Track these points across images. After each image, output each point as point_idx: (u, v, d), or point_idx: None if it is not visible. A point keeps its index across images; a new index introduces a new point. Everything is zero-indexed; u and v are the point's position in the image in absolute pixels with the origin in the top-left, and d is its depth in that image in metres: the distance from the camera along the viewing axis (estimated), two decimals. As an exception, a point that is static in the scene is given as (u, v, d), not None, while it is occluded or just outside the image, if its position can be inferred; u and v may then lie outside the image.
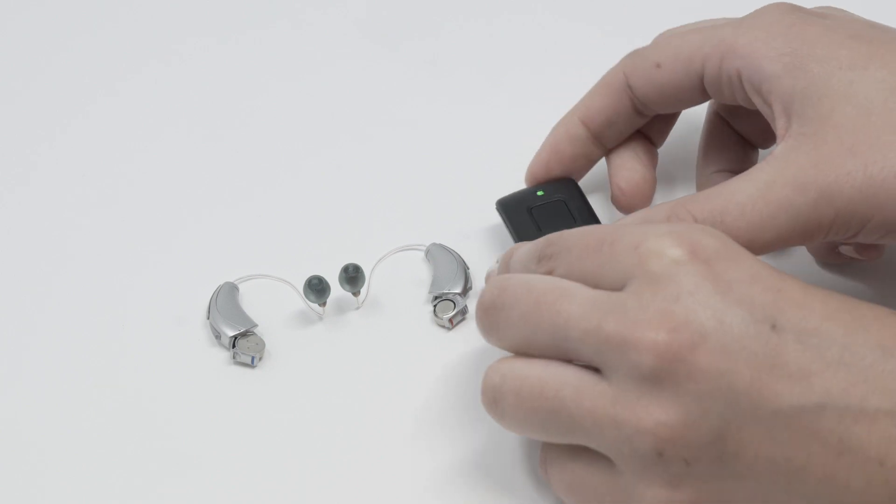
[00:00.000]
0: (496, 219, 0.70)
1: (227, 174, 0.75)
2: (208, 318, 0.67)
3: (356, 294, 0.67)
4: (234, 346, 0.65)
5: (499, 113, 0.77)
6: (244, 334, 0.66)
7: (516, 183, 0.71)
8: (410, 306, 0.68)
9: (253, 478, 0.61)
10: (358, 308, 0.68)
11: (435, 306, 0.67)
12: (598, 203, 0.69)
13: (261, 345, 0.65)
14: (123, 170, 0.75)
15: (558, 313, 0.54)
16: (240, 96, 0.79)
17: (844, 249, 0.67)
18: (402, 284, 0.68)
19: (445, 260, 0.68)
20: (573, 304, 0.54)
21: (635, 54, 0.67)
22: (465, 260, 0.68)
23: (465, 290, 0.67)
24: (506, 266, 0.60)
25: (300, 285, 0.67)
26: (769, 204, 0.59)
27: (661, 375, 0.51)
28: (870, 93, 0.59)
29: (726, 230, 0.59)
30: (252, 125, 0.77)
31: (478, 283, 0.68)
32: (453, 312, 0.66)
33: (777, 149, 0.61)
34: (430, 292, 0.67)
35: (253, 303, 0.68)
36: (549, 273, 0.56)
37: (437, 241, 0.69)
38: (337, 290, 0.67)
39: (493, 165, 0.74)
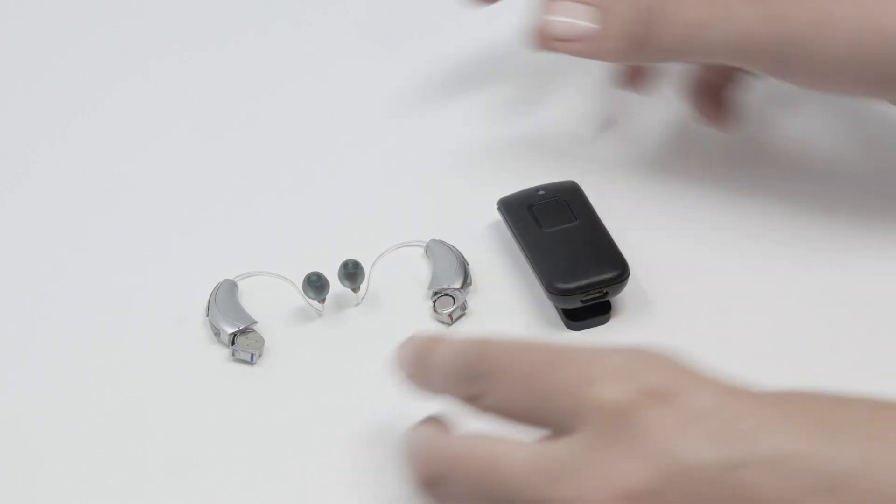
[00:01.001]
0: (495, 215, 0.70)
1: (227, 173, 0.75)
2: (207, 316, 0.67)
3: (356, 290, 0.67)
4: (233, 344, 0.65)
5: (499, 112, 0.77)
6: (243, 331, 0.66)
7: (516, 179, 0.71)
8: (410, 302, 0.68)
9: (253, 476, 0.61)
10: (357, 304, 0.68)
11: (434, 302, 0.67)
12: (598, 203, 0.69)
13: (260, 342, 0.65)
14: (124, 169, 0.76)
15: (503, 483, 0.50)
16: (240, 96, 0.79)
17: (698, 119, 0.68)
18: (401, 280, 0.68)
19: (445, 256, 0.68)
20: (517, 470, 0.49)
21: None
22: (465, 256, 0.68)
23: (465, 286, 0.67)
24: (424, 366, 0.55)
25: (299, 282, 0.66)
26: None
27: None
28: None
29: (665, 41, 0.63)
30: (252, 124, 0.78)
31: (477, 279, 0.68)
32: (453, 308, 0.66)
33: None
34: (429, 288, 0.67)
35: (252, 300, 0.68)
36: (480, 397, 0.52)
37: (437, 238, 0.69)
38: (336, 287, 0.67)
39: (492, 162, 0.74)
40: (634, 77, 0.73)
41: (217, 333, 0.66)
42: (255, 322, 0.66)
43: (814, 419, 0.48)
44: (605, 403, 0.48)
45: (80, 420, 0.64)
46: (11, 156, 0.77)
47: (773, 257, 0.68)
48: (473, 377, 0.52)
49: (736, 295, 0.67)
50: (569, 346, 0.52)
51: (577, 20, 0.65)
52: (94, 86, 0.81)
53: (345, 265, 0.66)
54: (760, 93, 0.77)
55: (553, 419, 0.50)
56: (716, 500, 0.47)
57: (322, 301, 0.66)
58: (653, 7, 0.63)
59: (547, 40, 0.65)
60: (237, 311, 0.66)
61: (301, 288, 0.66)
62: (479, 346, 0.53)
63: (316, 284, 0.66)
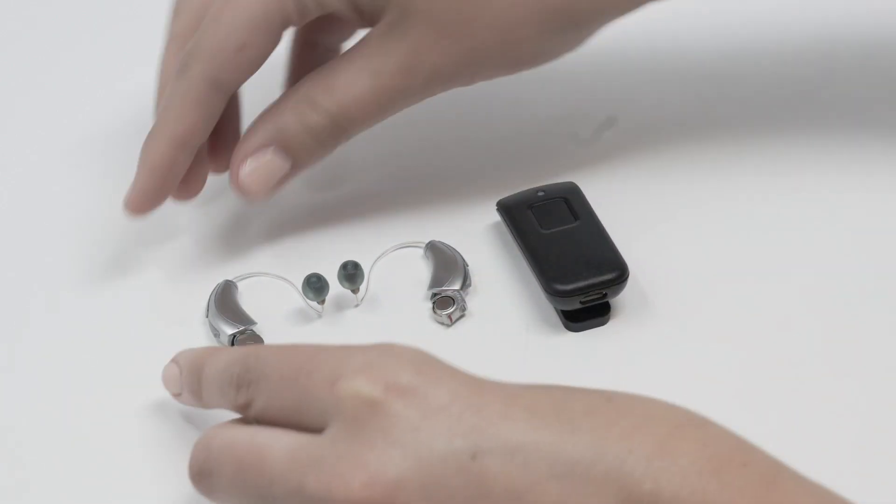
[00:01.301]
0: (495, 216, 0.70)
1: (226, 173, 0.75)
2: (207, 317, 0.67)
3: (355, 291, 0.67)
4: (232, 344, 0.65)
5: (499, 111, 0.77)
6: (242, 332, 0.66)
7: (516, 180, 0.71)
8: (409, 303, 0.68)
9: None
10: (357, 305, 0.68)
11: (434, 303, 0.67)
12: (597, 205, 0.69)
13: (259, 343, 0.65)
14: (125, 168, 0.75)
15: (262, 474, 0.52)
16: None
17: None
18: (401, 281, 0.68)
19: (444, 257, 0.68)
20: (275, 462, 0.52)
21: (205, 55, 0.64)
22: (465, 257, 0.68)
23: (465, 287, 0.67)
24: (197, 379, 0.57)
25: (299, 283, 0.66)
26: (384, 92, 0.64)
27: None
28: None
29: (351, 121, 0.65)
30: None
31: (477, 280, 0.68)
32: (452, 309, 0.66)
33: (372, 36, 0.64)
34: (429, 289, 0.67)
35: (252, 301, 0.68)
36: (249, 404, 0.54)
37: (436, 239, 0.69)
38: (336, 288, 0.67)
39: (492, 163, 0.74)
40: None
41: (216, 334, 0.66)
42: (255, 323, 0.66)
43: (551, 410, 0.50)
44: (353, 397, 0.50)
45: (81, 419, 0.64)
46: (12, 155, 0.78)
47: (773, 258, 0.68)
48: (240, 386, 0.54)
49: (736, 296, 0.67)
50: (325, 346, 0.54)
51: (269, 168, 0.66)
52: (94, 83, 0.81)
53: (344, 266, 0.66)
54: (761, 93, 0.77)
55: (312, 417, 0.52)
56: (458, 487, 0.49)
57: (322, 302, 0.66)
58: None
59: (253, 194, 0.67)
60: (237, 311, 0.66)
61: (301, 289, 0.66)
62: (244, 355, 0.55)
63: (315, 286, 0.66)
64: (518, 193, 0.70)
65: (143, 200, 0.66)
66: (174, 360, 0.60)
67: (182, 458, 0.60)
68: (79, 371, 0.66)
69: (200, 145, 0.67)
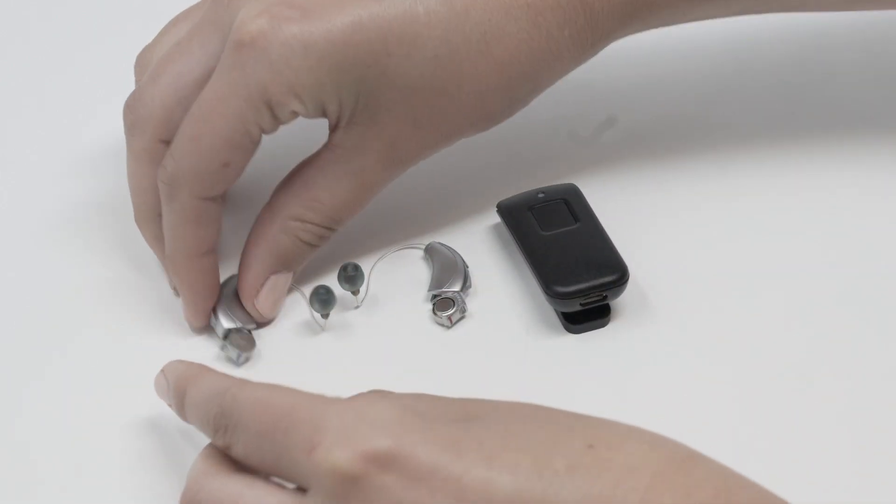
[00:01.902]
0: (495, 217, 0.70)
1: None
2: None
3: (355, 293, 0.67)
4: (225, 338, 0.65)
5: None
6: (238, 330, 0.66)
7: (516, 181, 0.71)
8: (409, 305, 0.68)
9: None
10: (357, 307, 0.68)
11: (434, 305, 0.67)
12: (598, 206, 0.69)
13: (251, 345, 0.65)
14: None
15: None
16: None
17: None
18: (401, 283, 0.68)
19: (444, 258, 0.68)
20: None
21: (200, 169, 0.64)
22: (465, 258, 0.68)
23: (465, 289, 0.67)
24: (181, 402, 0.58)
25: (300, 284, 0.66)
26: (368, 189, 0.66)
27: None
28: (417, 80, 0.64)
29: (342, 221, 0.66)
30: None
31: (477, 281, 0.68)
32: (452, 311, 0.66)
33: (337, 137, 0.65)
34: (429, 291, 0.67)
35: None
36: (229, 447, 0.54)
37: (436, 240, 0.69)
38: (337, 289, 0.66)
39: (492, 164, 0.74)
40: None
41: (214, 323, 0.66)
42: (254, 326, 0.66)
43: (534, 470, 0.49)
44: (330, 469, 0.50)
45: (80, 418, 0.64)
46: (12, 154, 0.78)
47: (773, 260, 0.68)
48: (219, 428, 0.54)
49: (736, 298, 0.67)
50: (301, 398, 0.53)
51: (278, 289, 0.67)
52: (95, 84, 0.81)
53: (344, 268, 0.66)
54: (761, 94, 0.77)
55: (293, 476, 0.52)
56: None
57: (325, 316, 0.66)
58: None
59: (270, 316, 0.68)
60: (240, 308, 0.66)
61: (308, 299, 0.66)
62: (221, 393, 0.55)
63: (323, 298, 0.65)
64: (518, 195, 0.70)
65: (200, 315, 0.67)
66: (163, 371, 0.60)
67: (178, 449, 0.60)
68: (79, 369, 0.66)
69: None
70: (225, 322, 0.66)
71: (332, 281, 0.67)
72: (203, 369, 0.57)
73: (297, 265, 0.67)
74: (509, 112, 0.68)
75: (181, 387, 0.57)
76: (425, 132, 0.66)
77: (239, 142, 0.64)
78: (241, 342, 0.65)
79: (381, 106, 0.64)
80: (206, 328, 0.67)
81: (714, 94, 0.78)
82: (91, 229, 0.73)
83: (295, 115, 0.64)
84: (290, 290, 0.68)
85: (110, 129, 0.76)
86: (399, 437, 0.50)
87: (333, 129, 0.65)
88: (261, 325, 0.67)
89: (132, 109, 0.66)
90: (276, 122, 0.64)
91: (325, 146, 0.66)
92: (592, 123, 0.77)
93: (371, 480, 0.50)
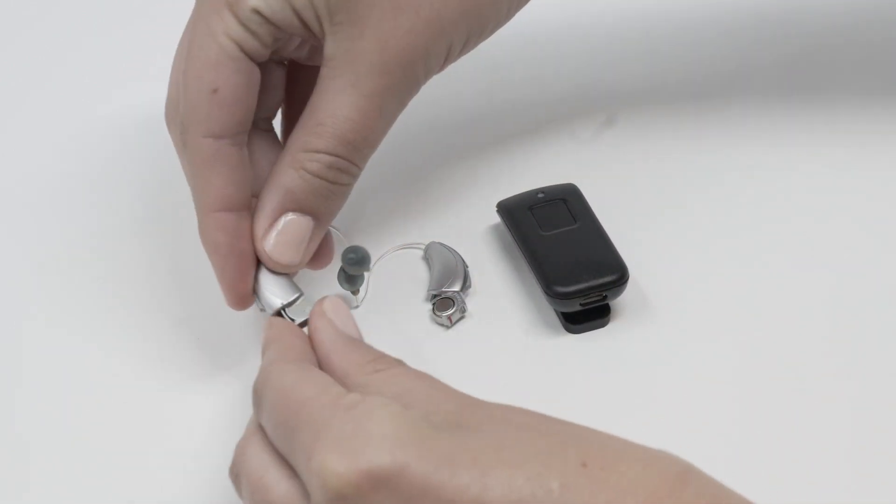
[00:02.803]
0: (495, 217, 0.70)
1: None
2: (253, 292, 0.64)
3: (355, 292, 0.67)
4: (280, 315, 0.62)
5: (499, 111, 0.77)
6: (291, 304, 0.62)
7: (516, 181, 0.71)
8: (409, 304, 0.68)
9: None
10: (357, 306, 0.68)
11: (434, 304, 0.67)
12: (597, 206, 0.69)
13: (304, 311, 0.62)
14: (125, 168, 0.76)
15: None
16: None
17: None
18: (401, 283, 0.68)
19: (444, 258, 0.68)
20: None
21: (189, 104, 0.62)
22: (465, 258, 0.68)
23: (465, 288, 0.67)
24: (264, 349, 0.58)
25: (297, 284, 0.67)
26: (371, 100, 0.61)
27: None
28: None
29: (356, 146, 0.61)
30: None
31: (477, 281, 0.68)
32: (452, 310, 0.66)
33: (327, 51, 0.61)
34: (429, 290, 0.67)
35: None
36: (261, 423, 0.55)
37: (437, 240, 0.69)
38: (337, 289, 0.67)
39: (492, 164, 0.74)
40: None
41: (262, 309, 0.63)
42: (301, 295, 0.63)
43: (528, 493, 0.48)
44: (323, 483, 0.50)
45: (80, 418, 0.64)
46: (13, 154, 0.78)
47: (773, 260, 0.68)
48: (255, 404, 0.55)
49: (735, 297, 0.67)
50: (314, 396, 0.52)
51: (293, 233, 0.63)
52: (97, 85, 0.81)
53: (348, 252, 0.65)
54: (762, 94, 0.77)
55: (300, 474, 0.52)
56: None
57: (356, 292, 0.66)
58: None
59: (287, 264, 0.63)
60: (284, 282, 0.63)
61: (338, 279, 0.66)
62: (262, 373, 0.55)
63: (354, 261, 0.65)
64: (518, 195, 0.70)
65: (237, 289, 0.63)
66: (265, 327, 0.59)
67: (179, 448, 0.60)
68: (78, 370, 0.66)
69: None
70: (273, 299, 0.62)
71: (332, 281, 0.66)
72: (283, 333, 0.58)
73: (318, 207, 0.62)
74: None
75: (266, 342, 0.58)
76: (410, 17, 0.61)
77: (217, 59, 0.60)
78: (298, 311, 0.62)
79: None
80: (217, 344, 0.67)
81: (714, 94, 0.78)
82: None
83: (263, 19, 0.61)
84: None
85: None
86: (394, 454, 0.49)
87: (323, 39, 0.62)
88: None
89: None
90: (248, 31, 0.61)
91: (322, 65, 0.62)
92: (592, 123, 0.76)
93: (363, 499, 0.49)
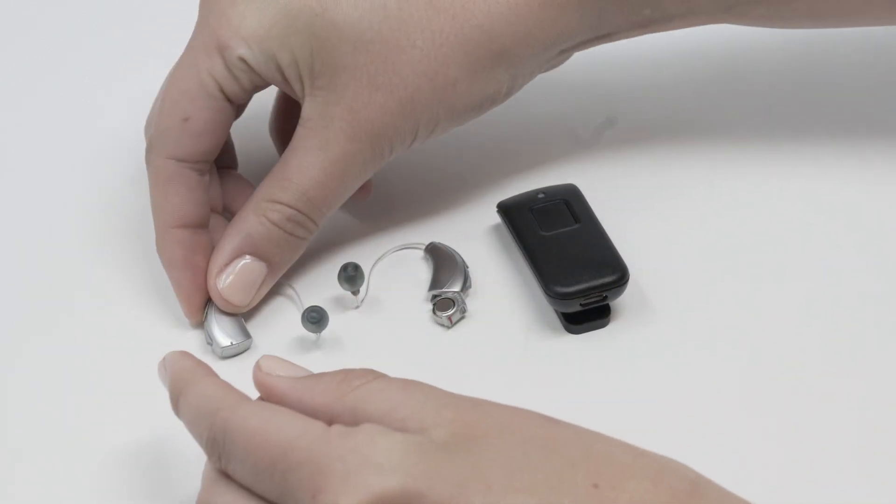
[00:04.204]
0: (495, 218, 0.70)
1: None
2: (204, 322, 0.67)
3: (355, 293, 0.67)
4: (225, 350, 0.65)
5: (499, 112, 0.77)
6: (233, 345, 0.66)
7: (516, 181, 0.71)
8: (410, 305, 0.68)
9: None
10: (357, 307, 0.68)
11: (434, 305, 0.67)
12: (598, 207, 0.69)
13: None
14: (125, 168, 0.76)
15: None
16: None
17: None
18: (401, 283, 0.68)
19: (444, 258, 0.68)
20: None
21: (161, 128, 0.66)
22: (465, 259, 0.68)
23: (465, 289, 0.67)
24: (175, 403, 0.56)
25: (297, 285, 0.67)
26: (336, 164, 0.65)
27: None
28: (366, 31, 0.64)
29: (316, 204, 0.65)
30: (251, 123, 0.77)
31: (477, 282, 0.68)
32: (452, 311, 0.66)
33: (304, 111, 0.65)
34: (429, 291, 0.67)
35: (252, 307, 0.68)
36: (228, 472, 0.52)
37: (437, 240, 0.69)
38: (337, 289, 0.67)
39: (492, 164, 0.74)
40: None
41: (210, 342, 0.66)
42: (250, 337, 0.66)
43: None
44: None
45: (79, 419, 0.64)
46: (12, 155, 0.78)
47: (773, 260, 0.68)
48: (212, 454, 0.53)
49: (736, 298, 0.67)
50: (297, 434, 0.51)
51: (246, 276, 0.66)
52: (94, 85, 0.81)
53: (344, 268, 0.66)
54: (762, 93, 0.77)
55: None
56: None
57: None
58: None
59: (236, 305, 0.66)
60: (235, 322, 0.66)
61: (301, 319, 0.65)
62: (214, 419, 0.53)
63: (314, 319, 0.65)
64: (518, 195, 0.70)
65: (193, 300, 0.67)
66: (162, 363, 0.58)
67: (176, 450, 0.60)
68: (75, 374, 0.66)
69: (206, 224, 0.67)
70: (221, 339, 0.66)
71: (332, 281, 0.66)
72: (198, 374, 0.56)
73: (273, 255, 0.66)
74: (478, 86, 0.67)
75: (176, 389, 0.56)
76: (384, 94, 0.65)
77: (195, 92, 0.65)
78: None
79: (338, 64, 0.64)
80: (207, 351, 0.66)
81: (714, 94, 0.78)
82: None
83: (247, 67, 0.64)
84: (280, 286, 0.68)
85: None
86: (404, 481, 0.48)
87: (302, 100, 0.65)
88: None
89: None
90: (231, 75, 0.65)
91: (298, 124, 0.66)
92: (592, 123, 0.76)
93: None
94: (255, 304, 0.67)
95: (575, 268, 0.65)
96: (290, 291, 0.68)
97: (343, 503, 0.48)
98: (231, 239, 0.66)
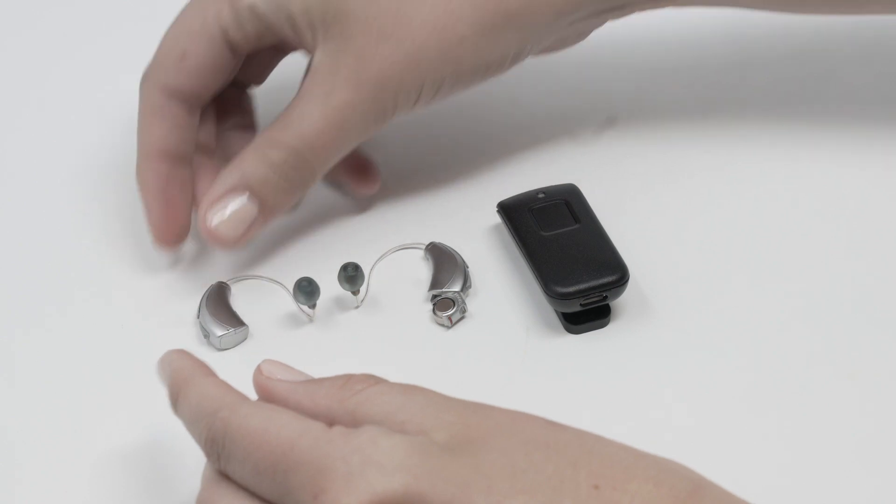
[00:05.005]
0: (495, 217, 0.70)
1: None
2: (198, 318, 0.67)
3: (355, 293, 0.67)
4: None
5: (499, 111, 0.77)
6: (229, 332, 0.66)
7: (516, 181, 0.71)
8: (409, 305, 0.68)
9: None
10: (357, 307, 0.68)
11: (434, 305, 0.67)
12: (598, 205, 0.69)
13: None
14: (122, 168, 0.75)
15: None
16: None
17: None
18: (401, 283, 0.68)
19: (444, 258, 0.68)
20: None
21: (158, 59, 0.68)
22: (465, 259, 0.68)
23: (465, 289, 0.67)
24: (174, 402, 0.55)
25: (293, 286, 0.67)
26: (338, 112, 0.65)
27: None
28: None
29: (315, 152, 0.66)
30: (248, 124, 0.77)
31: (477, 281, 0.68)
32: (452, 311, 0.66)
33: (314, 61, 0.66)
34: (429, 290, 0.67)
35: (245, 303, 0.68)
36: (226, 474, 0.52)
37: (437, 240, 0.69)
38: (336, 290, 0.67)
39: (492, 164, 0.74)
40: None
41: (206, 335, 0.66)
42: (245, 326, 0.66)
43: None
44: None
45: (78, 418, 0.64)
46: (10, 154, 0.78)
47: (773, 261, 0.68)
48: (210, 454, 0.53)
49: (736, 298, 0.67)
50: (299, 433, 0.50)
51: (238, 214, 0.67)
52: (94, 84, 0.81)
53: (344, 268, 0.66)
54: (762, 93, 0.77)
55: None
56: None
57: (313, 307, 0.66)
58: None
59: (223, 241, 0.67)
60: (228, 313, 0.66)
61: (292, 293, 0.66)
62: (213, 420, 0.52)
63: (306, 290, 0.65)
64: (518, 195, 0.70)
65: (161, 227, 0.68)
66: (161, 361, 0.57)
67: (174, 449, 0.60)
68: (71, 371, 0.66)
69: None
70: (217, 330, 0.66)
71: (326, 284, 0.66)
72: (196, 374, 0.55)
73: (267, 196, 0.66)
74: (485, 45, 0.67)
75: (174, 388, 0.55)
76: (392, 46, 0.65)
77: (197, 32, 0.66)
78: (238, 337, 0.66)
79: (349, 13, 0.65)
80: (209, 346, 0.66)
81: (714, 94, 0.78)
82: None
83: (256, 16, 0.65)
84: (275, 286, 0.68)
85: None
86: (406, 482, 0.48)
87: (311, 50, 0.66)
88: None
89: None
90: (237, 22, 0.65)
91: (305, 73, 0.67)
92: (592, 123, 0.76)
93: None
94: (241, 245, 0.67)
95: (575, 268, 0.65)
96: (282, 291, 0.68)
97: (345, 502, 0.48)
98: (227, 175, 0.67)
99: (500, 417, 0.51)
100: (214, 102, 0.70)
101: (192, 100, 0.68)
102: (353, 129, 0.66)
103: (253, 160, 0.66)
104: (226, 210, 0.66)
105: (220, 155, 0.71)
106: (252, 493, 0.51)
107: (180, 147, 0.68)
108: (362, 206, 0.72)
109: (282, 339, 0.67)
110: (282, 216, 0.69)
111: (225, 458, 0.52)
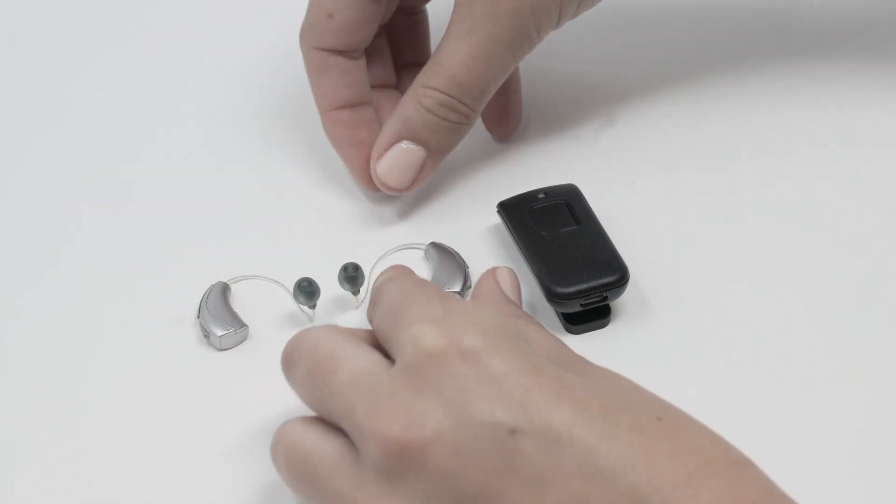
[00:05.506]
0: (495, 218, 0.70)
1: (227, 171, 0.75)
2: (198, 318, 0.67)
3: (356, 293, 0.67)
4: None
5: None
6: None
7: (516, 181, 0.71)
8: (410, 305, 0.68)
9: (249, 474, 0.61)
10: (358, 307, 0.68)
11: (434, 305, 0.67)
12: (598, 205, 0.69)
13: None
14: (121, 168, 0.76)
15: (327, 385, 0.54)
16: (237, 94, 0.79)
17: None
18: (401, 283, 0.68)
19: (444, 259, 0.68)
20: (341, 378, 0.54)
21: (308, 20, 0.70)
22: (465, 259, 0.68)
23: (465, 289, 0.67)
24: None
25: (293, 286, 0.67)
26: (481, 47, 0.67)
27: (391, 471, 0.51)
28: None
29: (466, 89, 0.68)
30: (250, 123, 0.78)
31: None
32: (452, 311, 0.66)
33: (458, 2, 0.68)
34: (429, 291, 0.67)
35: (246, 303, 0.68)
36: (371, 319, 0.58)
37: (437, 240, 0.69)
38: (337, 290, 0.67)
39: (492, 164, 0.74)
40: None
41: (206, 335, 0.66)
42: (246, 326, 0.66)
43: (598, 413, 0.51)
44: (418, 344, 0.52)
45: (77, 417, 0.64)
46: (7, 153, 0.78)
47: (774, 261, 0.68)
48: (375, 304, 0.58)
49: (736, 298, 0.67)
50: (433, 290, 0.57)
51: (405, 160, 0.70)
52: (94, 83, 0.81)
53: (345, 268, 0.66)
54: (762, 94, 0.77)
55: (393, 348, 0.55)
56: (488, 457, 0.50)
57: (313, 307, 0.66)
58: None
59: (395, 188, 0.70)
60: (229, 313, 0.66)
61: (292, 293, 0.66)
62: (386, 279, 0.59)
63: (307, 290, 0.65)
64: (518, 195, 0.69)
65: (364, 174, 0.71)
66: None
67: (174, 448, 0.60)
68: (71, 371, 0.66)
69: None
70: (218, 330, 0.66)
71: (326, 284, 0.66)
72: (401, 273, 0.60)
73: (430, 139, 0.69)
74: None
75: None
76: None
77: None
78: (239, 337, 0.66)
79: None
80: (203, 344, 0.66)
81: (715, 93, 0.78)
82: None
83: None
84: (275, 286, 0.68)
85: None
86: (487, 342, 0.52)
87: None
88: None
89: None
90: None
91: (453, 10, 0.68)
92: (592, 123, 0.76)
93: (448, 363, 0.52)
94: (415, 188, 0.70)
95: (575, 268, 0.65)
96: (281, 289, 0.68)
97: (426, 334, 0.53)
98: (391, 124, 0.69)
99: (593, 367, 0.56)
100: (386, 34, 0.73)
101: (350, 52, 0.70)
102: (500, 60, 0.68)
103: (411, 107, 0.69)
104: (394, 158, 0.69)
105: (403, 87, 0.73)
106: (318, 420, 0.55)
107: (352, 94, 0.70)
108: (362, 205, 0.72)
109: (282, 339, 0.66)
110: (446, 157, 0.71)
111: (375, 305, 0.57)
